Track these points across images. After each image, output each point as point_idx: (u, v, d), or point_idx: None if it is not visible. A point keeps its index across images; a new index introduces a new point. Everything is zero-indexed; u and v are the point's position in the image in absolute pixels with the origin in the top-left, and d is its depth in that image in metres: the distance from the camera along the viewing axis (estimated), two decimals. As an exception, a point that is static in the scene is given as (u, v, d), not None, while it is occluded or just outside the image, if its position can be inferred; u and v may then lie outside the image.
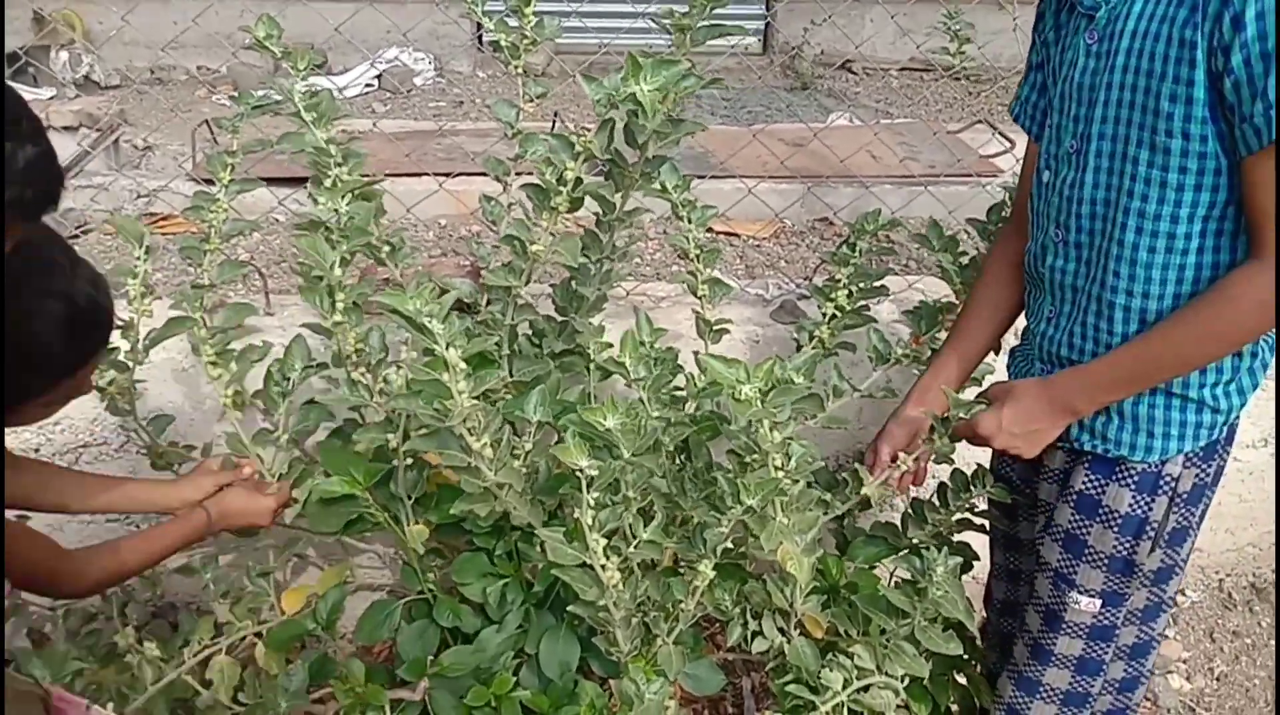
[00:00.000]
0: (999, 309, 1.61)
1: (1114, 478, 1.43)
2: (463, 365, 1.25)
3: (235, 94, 1.97)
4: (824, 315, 1.88)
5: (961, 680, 1.78)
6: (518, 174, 1.80)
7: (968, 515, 1.71)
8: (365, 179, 1.63)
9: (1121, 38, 1.28)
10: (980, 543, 1.74)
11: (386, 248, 1.74)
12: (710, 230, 2.44)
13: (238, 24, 1.82)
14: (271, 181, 2.30)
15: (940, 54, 5.59)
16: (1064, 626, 1.51)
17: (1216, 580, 2.72)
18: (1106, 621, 1.50)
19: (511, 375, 1.77)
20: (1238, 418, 1.43)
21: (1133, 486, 1.42)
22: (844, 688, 1.45)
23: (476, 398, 1.30)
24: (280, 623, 1.77)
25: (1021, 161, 1.60)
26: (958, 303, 1.89)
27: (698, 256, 1.81)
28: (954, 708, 1.74)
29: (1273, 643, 2.54)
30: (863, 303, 1.88)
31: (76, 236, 3.55)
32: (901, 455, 1.60)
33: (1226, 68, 1.16)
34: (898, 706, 1.48)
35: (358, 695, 1.59)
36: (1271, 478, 2.53)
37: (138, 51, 5.70)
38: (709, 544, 1.38)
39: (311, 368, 1.75)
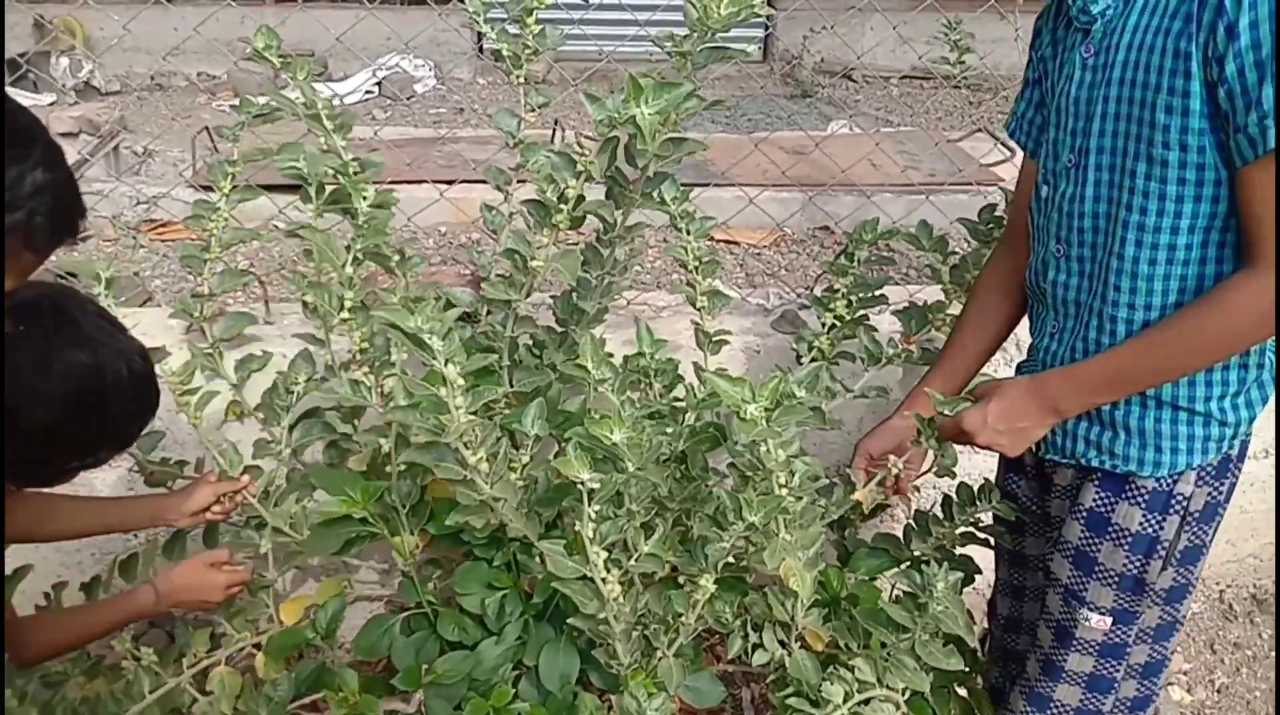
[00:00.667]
0: (988, 328, 1.61)
1: (1124, 496, 1.42)
2: (461, 381, 1.25)
3: (236, 100, 1.97)
4: (824, 326, 1.88)
5: (962, 693, 1.77)
6: (519, 181, 1.80)
7: (971, 529, 1.71)
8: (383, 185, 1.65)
9: (1117, 50, 1.28)
10: (983, 555, 1.73)
11: (397, 257, 1.74)
12: (710, 238, 2.42)
13: (238, 30, 1.82)
14: (272, 189, 2.30)
15: (940, 63, 5.59)
16: (1075, 643, 1.50)
17: (1217, 591, 2.71)
18: (1117, 639, 1.48)
19: (512, 386, 1.76)
20: (1249, 433, 1.41)
21: (1143, 505, 1.41)
22: (845, 701, 1.44)
23: (474, 412, 1.30)
24: (279, 632, 1.76)
25: (1017, 177, 1.60)
26: (947, 302, 1.89)
27: (696, 268, 1.80)
28: (955, 721, 1.73)
29: (1274, 654, 2.53)
30: (862, 312, 1.88)
31: (75, 243, 3.54)
32: (891, 457, 1.59)
33: (1221, 77, 1.16)
34: (898, 720, 1.47)
35: (352, 705, 1.58)
36: (1273, 488, 2.52)
37: (138, 57, 5.71)
38: (710, 559, 1.37)
39: (316, 381, 1.74)
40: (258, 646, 1.75)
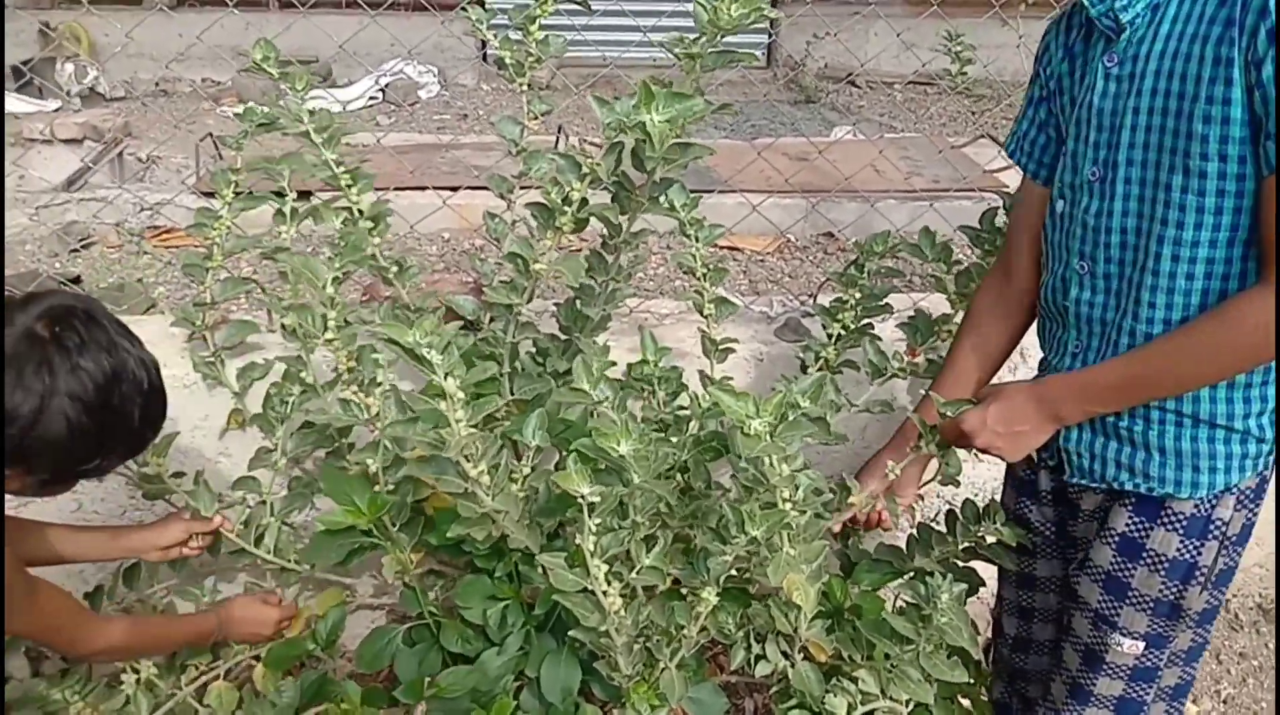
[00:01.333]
0: (984, 355, 1.57)
1: (1160, 521, 1.37)
2: (461, 395, 1.24)
3: (240, 106, 1.97)
4: (829, 335, 1.87)
5: (966, 704, 1.76)
6: (523, 188, 1.79)
7: (974, 546, 1.69)
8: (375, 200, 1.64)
9: (1148, 60, 1.24)
10: (987, 567, 1.72)
11: (395, 268, 1.73)
12: (714, 245, 2.42)
13: (243, 36, 1.82)
14: (275, 196, 2.29)
15: (944, 74, 5.59)
16: (1104, 667, 1.45)
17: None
18: (1150, 663, 1.44)
19: (513, 393, 1.76)
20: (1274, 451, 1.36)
21: (1181, 531, 1.36)
22: (848, 712, 1.43)
23: (475, 425, 1.29)
24: (279, 644, 1.76)
25: (1014, 200, 1.56)
26: (953, 311, 1.88)
27: (704, 275, 1.80)
28: (959, 732, 1.72)
29: (1276, 664, 2.52)
30: (867, 321, 1.87)
31: (79, 250, 3.55)
32: (889, 461, 1.58)
33: (1257, 81, 1.13)
34: (902, 731, 1.46)
35: (353, 717, 1.57)
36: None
37: (143, 63, 5.73)
38: (712, 572, 1.36)
39: (310, 392, 1.74)
40: (257, 659, 1.75)
